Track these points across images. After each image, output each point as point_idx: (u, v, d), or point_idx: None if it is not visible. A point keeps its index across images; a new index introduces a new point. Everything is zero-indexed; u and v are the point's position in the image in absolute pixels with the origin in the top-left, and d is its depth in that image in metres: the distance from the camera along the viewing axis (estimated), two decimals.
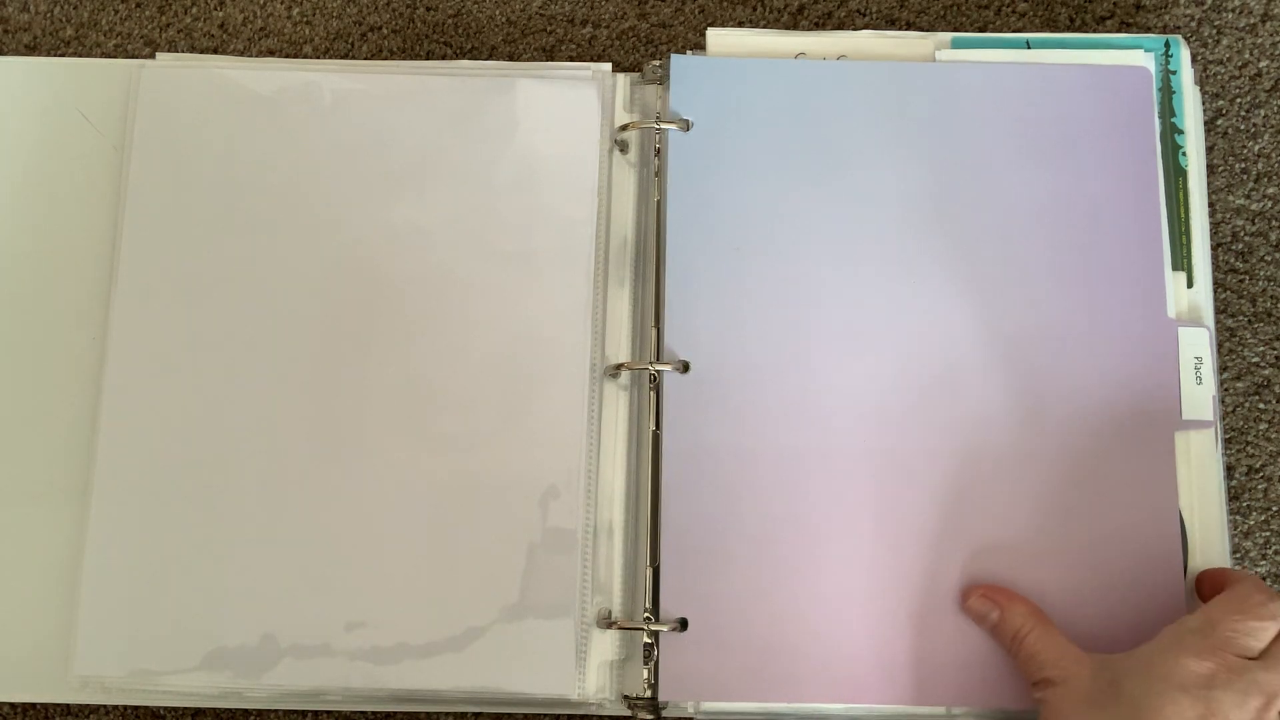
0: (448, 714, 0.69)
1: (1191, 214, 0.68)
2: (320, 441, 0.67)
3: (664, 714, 0.65)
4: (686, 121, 0.69)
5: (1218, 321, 0.72)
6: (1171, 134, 0.69)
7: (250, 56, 0.76)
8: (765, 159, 0.68)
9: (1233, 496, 0.71)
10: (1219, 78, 0.76)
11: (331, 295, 0.69)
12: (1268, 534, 0.71)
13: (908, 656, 0.63)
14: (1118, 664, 0.58)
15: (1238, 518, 0.71)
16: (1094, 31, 0.76)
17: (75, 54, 0.76)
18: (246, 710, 0.69)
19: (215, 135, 0.71)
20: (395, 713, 0.68)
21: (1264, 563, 0.70)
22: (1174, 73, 0.70)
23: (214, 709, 0.69)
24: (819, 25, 0.77)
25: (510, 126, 0.70)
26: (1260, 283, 0.73)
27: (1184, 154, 0.69)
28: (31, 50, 0.76)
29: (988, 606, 0.62)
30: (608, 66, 0.73)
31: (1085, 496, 0.64)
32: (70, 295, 0.70)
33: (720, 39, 0.71)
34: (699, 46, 0.75)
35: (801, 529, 0.64)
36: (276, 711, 0.69)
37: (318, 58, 0.76)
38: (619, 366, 0.68)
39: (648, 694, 0.65)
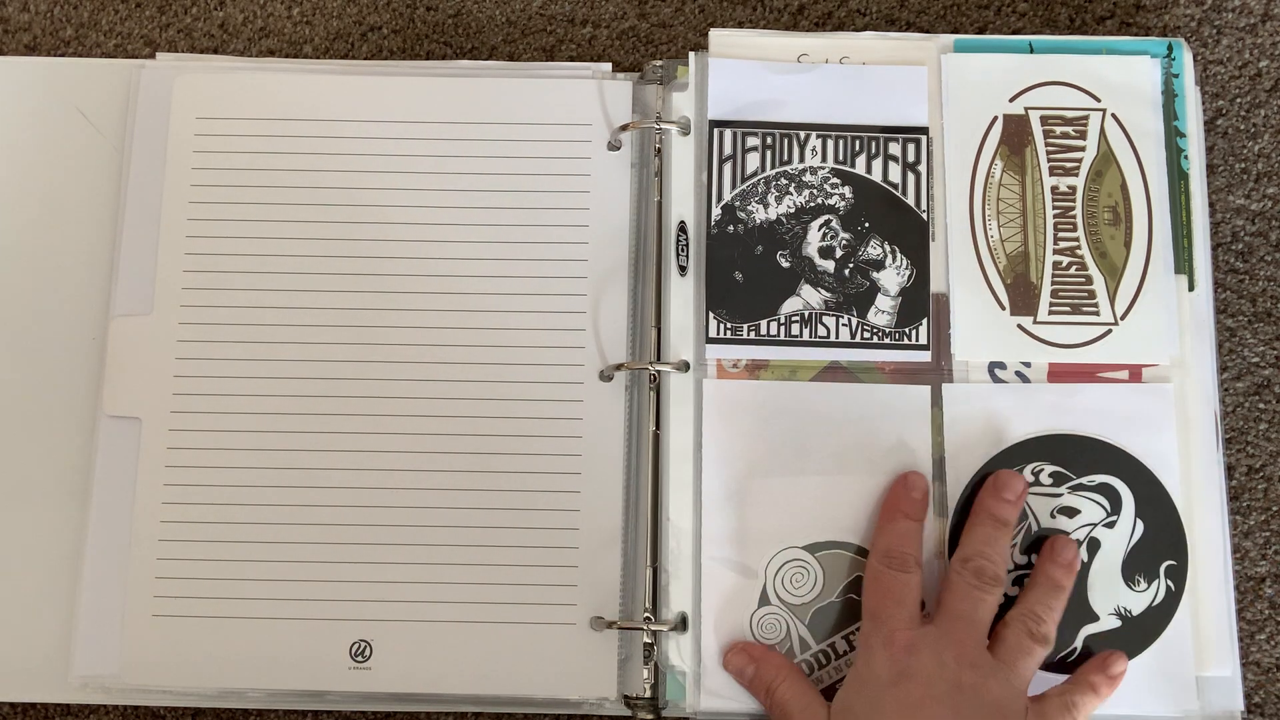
0: (448, 714, 0.69)
1: (1193, 217, 0.68)
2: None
3: (664, 714, 0.65)
4: (687, 121, 0.70)
5: (1218, 321, 0.72)
6: (1174, 137, 0.69)
7: (250, 56, 0.76)
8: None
9: (1233, 496, 0.71)
10: (1219, 78, 0.76)
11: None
12: (1268, 534, 0.71)
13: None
14: (839, 698, 0.62)
15: (1238, 518, 0.71)
16: (1094, 32, 0.76)
17: (75, 54, 0.76)
18: (246, 710, 0.69)
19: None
20: (395, 712, 0.68)
21: (1264, 563, 0.70)
22: (1176, 76, 0.70)
23: (214, 709, 0.69)
24: (819, 25, 0.77)
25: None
26: (1260, 283, 0.73)
27: (1186, 157, 0.69)
28: (31, 50, 0.76)
29: (744, 661, 0.64)
30: (608, 66, 0.73)
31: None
32: (70, 295, 0.70)
33: (723, 40, 0.71)
34: (700, 47, 0.75)
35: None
36: (276, 711, 0.69)
37: (318, 58, 0.76)
38: (618, 366, 0.68)
39: (648, 694, 0.65)
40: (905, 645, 0.60)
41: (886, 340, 0.67)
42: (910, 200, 0.69)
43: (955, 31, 0.76)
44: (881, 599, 0.62)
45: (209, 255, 0.69)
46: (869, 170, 0.69)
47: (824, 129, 0.69)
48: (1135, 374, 0.67)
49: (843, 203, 0.69)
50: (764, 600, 0.65)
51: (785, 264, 0.68)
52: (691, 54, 0.71)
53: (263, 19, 0.77)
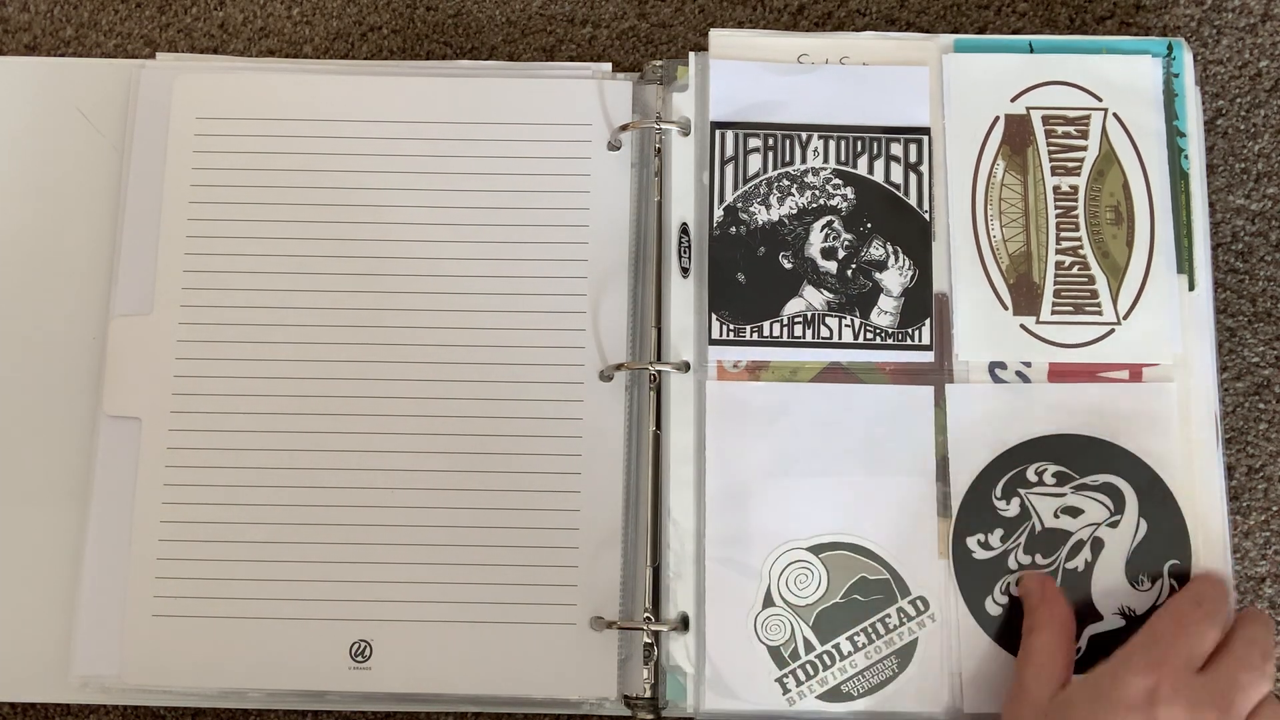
0: (448, 714, 0.69)
1: (1194, 217, 0.68)
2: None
3: (664, 714, 0.65)
4: (687, 121, 0.70)
5: (1218, 321, 0.72)
6: (1174, 137, 0.69)
7: (250, 56, 0.76)
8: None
9: (1233, 496, 0.71)
10: (1219, 78, 0.76)
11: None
12: (1268, 534, 0.71)
13: None
14: (1074, 688, 0.59)
15: (1238, 518, 0.71)
16: (1094, 32, 0.76)
17: (75, 54, 0.76)
18: (246, 710, 0.69)
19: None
20: (395, 712, 0.68)
21: (1264, 563, 0.70)
22: (1177, 75, 0.70)
23: (214, 709, 0.69)
24: (819, 25, 0.77)
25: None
26: (1260, 283, 0.73)
27: (1186, 156, 0.69)
28: (31, 50, 0.76)
29: (1037, 596, 0.63)
30: (608, 66, 0.73)
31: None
32: (70, 295, 0.70)
33: (723, 40, 0.71)
34: (700, 47, 0.75)
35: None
36: (276, 711, 0.69)
37: (318, 58, 0.76)
38: (618, 366, 0.68)
39: (648, 694, 0.65)
40: (1170, 688, 0.56)
41: (889, 341, 0.67)
42: (912, 201, 0.69)
43: (955, 31, 0.76)
44: (1171, 629, 0.59)
45: (209, 255, 0.69)
46: (871, 171, 0.69)
47: (825, 130, 0.69)
48: (1136, 374, 0.67)
49: (845, 203, 0.69)
50: (768, 601, 0.65)
51: (788, 265, 0.68)
52: (692, 54, 0.71)
53: (263, 19, 0.77)
